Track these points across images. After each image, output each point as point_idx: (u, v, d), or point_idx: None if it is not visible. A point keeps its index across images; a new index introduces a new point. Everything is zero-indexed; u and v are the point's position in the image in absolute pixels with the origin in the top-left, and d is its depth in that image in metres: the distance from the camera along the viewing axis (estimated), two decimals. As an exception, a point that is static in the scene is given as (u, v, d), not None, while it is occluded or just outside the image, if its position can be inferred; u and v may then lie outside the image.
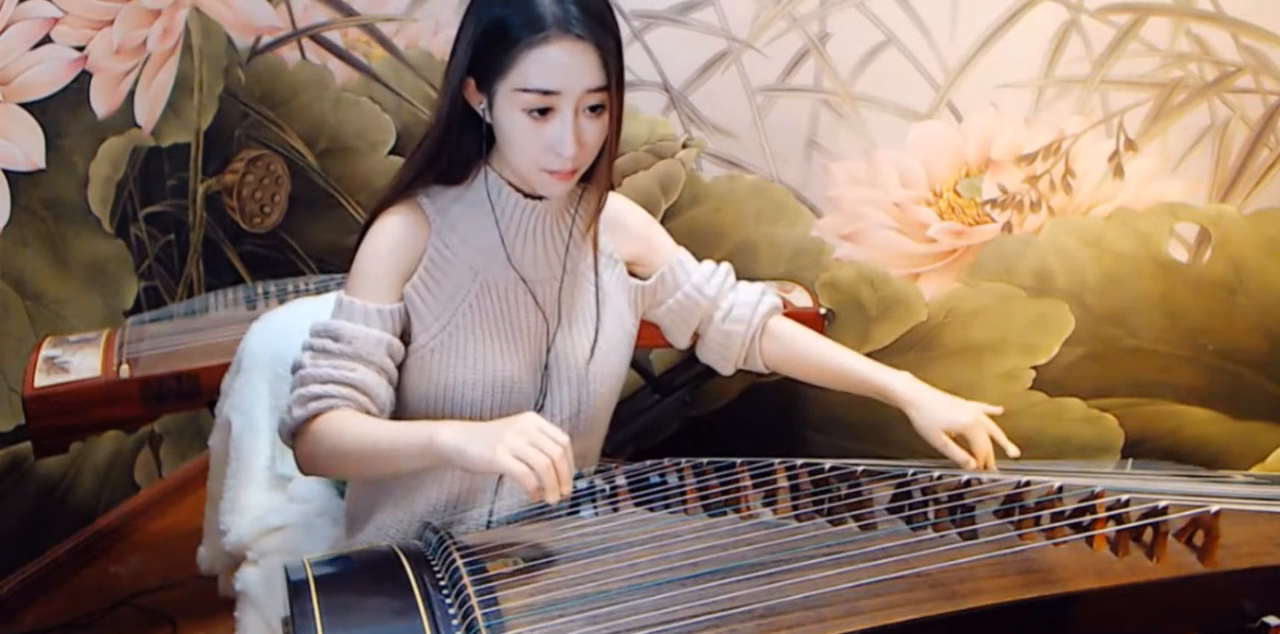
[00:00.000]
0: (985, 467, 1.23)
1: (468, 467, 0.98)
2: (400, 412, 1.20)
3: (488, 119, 1.11)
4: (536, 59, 1.04)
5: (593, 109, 1.08)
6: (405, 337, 1.17)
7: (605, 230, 1.27)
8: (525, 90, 1.05)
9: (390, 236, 1.15)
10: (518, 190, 1.17)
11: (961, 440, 1.24)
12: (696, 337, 1.37)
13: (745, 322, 1.34)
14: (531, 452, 0.95)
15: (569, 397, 1.22)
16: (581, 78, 1.05)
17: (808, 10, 2.08)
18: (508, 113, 1.08)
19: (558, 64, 1.04)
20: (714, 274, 1.35)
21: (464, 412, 1.17)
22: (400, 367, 1.18)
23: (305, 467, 1.14)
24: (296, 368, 1.14)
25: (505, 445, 0.95)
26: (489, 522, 1.20)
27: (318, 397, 1.10)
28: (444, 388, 1.17)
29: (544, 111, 1.06)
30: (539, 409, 1.21)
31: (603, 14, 1.07)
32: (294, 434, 1.13)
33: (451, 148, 1.15)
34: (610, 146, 1.14)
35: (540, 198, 1.18)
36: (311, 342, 1.14)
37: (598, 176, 1.17)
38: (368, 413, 1.12)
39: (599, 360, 1.23)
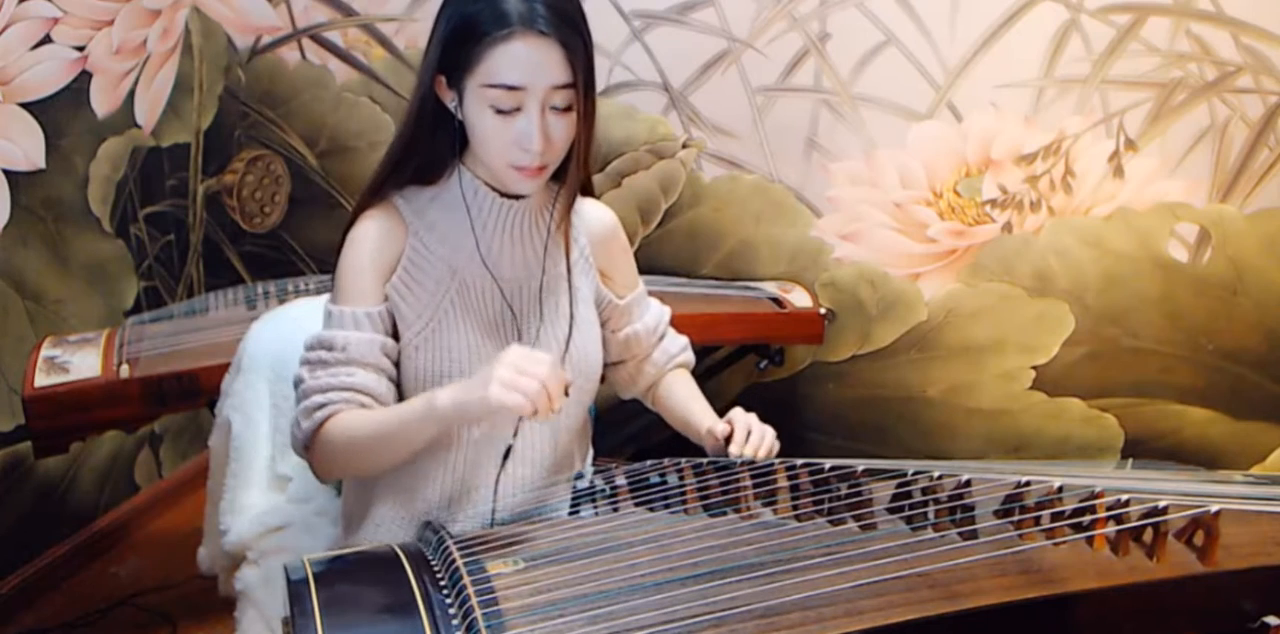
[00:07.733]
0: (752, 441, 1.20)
1: (470, 417, 1.05)
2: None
3: (459, 116, 1.13)
4: (502, 54, 1.06)
5: (560, 108, 1.10)
6: (395, 334, 1.19)
7: (585, 236, 1.29)
8: (492, 86, 1.08)
9: (367, 241, 1.17)
10: (494, 190, 1.18)
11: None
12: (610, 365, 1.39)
13: (659, 366, 1.39)
14: (522, 379, 1.00)
15: None
16: (546, 74, 1.07)
17: (808, 10, 2.08)
18: (476, 109, 1.10)
19: (522, 59, 1.06)
20: (660, 322, 1.38)
21: None
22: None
23: (323, 473, 1.18)
24: (297, 383, 1.17)
25: (496, 382, 1.00)
26: (491, 521, 1.20)
27: (320, 405, 1.14)
28: (427, 384, 1.18)
29: (512, 109, 1.09)
30: None
31: (570, 13, 1.09)
32: (307, 447, 1.16)
33: (424, 146, 1.17)
34: (579, 148, 1.15)
35: (517, 197, 1.19)
36: (307, 355, 1.17)
37: (568, 177, 1.19)
38: None
39: (575, 356, 1.24)
